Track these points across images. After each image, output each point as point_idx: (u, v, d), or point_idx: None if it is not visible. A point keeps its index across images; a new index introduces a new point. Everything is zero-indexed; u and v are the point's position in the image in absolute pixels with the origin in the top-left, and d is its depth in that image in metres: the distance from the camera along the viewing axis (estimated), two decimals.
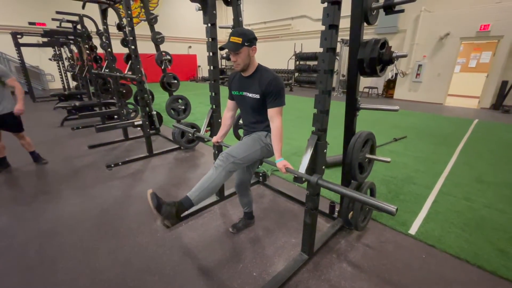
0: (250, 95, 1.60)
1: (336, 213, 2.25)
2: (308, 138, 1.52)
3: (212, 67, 2.12)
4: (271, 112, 1.56)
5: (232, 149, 1.60)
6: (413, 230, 2.13)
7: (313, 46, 12.31)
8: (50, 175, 3.12)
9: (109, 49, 3.76)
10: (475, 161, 3.62)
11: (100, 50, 5.51)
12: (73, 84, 8.98)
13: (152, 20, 3.27)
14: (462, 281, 1.66)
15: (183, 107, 3.71)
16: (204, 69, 16.42)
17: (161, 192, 2.71)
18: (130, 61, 3.25)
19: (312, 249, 1.80)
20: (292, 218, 2.33)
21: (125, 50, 4.27)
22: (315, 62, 12.18)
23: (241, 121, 2.27)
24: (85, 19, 4.87)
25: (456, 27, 7.97)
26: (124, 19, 3.03)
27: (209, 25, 2.00)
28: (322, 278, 1.67)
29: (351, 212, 1.90)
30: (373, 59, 1.42)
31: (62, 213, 2.34)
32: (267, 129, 1.69)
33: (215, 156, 2.39)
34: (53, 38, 6.05)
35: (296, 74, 13.27)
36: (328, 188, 1.32)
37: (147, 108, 3.65)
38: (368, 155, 1.85)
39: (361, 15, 1.46)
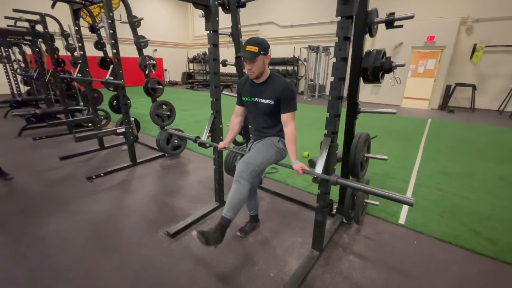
0: (263, 101, 1.65)
1: (335, 210, 2.40)
2: (321, 141, 1.63)
3: (213, 73, 2.13)
4: (286, 117, 1.63)
5: (249, 157, 1.64)
6: (402, 220, 2.37)
7: (281, 51, 12.71)
8: (21, 192, 2.78)
9: (82, 52, 3.49)
10: (437, 155, 4.11)
11: (62, 52, 5.07)
12: (24, 89, 8.05)
13: (135, 24, 3.13)
14: (450, 260, 1.90)
15: (168, 113, 3.60)
16: (171, 73, 15.91)
17: (157, 202, 2.61)
18: (112, 66, 3.06)
19: (322, 246, 1.90)
20: (293, 218, 2.41)
21: (96, 53, 4.02)
22: (284, 67, 12.59)
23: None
24: (47, 18, 4.44)
25: (408, 37, 8.93)
26: (104, 21, 2.86)
27: (211, 31, 2.01)
28: (335, 271, 1.78)
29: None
30: (377, 67, 1.58)
31: (47, 233, 2.12)
32: (279, 134, 1.76)
33: (216, 162, 2.38)
34: (4, 39, 5.38)
35: None
36: (347, 186, 1.43)
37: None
38: (366, 154, 2.02)
39: (364, 29, 1.62)
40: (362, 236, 2.17)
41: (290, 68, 12.32)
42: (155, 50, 14.81)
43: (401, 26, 1.55)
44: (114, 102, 4.06)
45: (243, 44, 1.58)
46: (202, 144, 2.20)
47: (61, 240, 2.03)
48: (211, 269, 1.77)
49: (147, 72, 3.28)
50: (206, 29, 2.01)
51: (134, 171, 3.33)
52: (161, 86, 3.44)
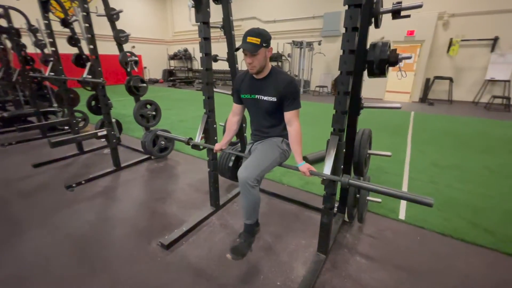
0: (265, 98, 1.53)
1: (336, 209, 2.33)
2: (328, 139, 1.53)
3: (205, 69, 1.97)
4: (289, 115, 1.52)
5: (253, 161, 1.52)
6: (402, 216, 2.35)
7: None
8: None
9: (54, 49, 3.17)
10: (425, 148, 4.19)
11: (30, 50, 4.64)
12: None
13: (113, 16, 2.87)
14: (454, 255, 1.89)
15: (153, 112, 3.37)
16: (151, 71, 15.31)
17: (146, 210, 2.42)
18: (89, 63, 2.79)
19: (328, 248, 1.82)
20: (293, 219, 2.32)
21: (70, 50, 3.69)
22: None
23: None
24: (11, 12, 4.01)
25: (389, 32, 9.08)
26: (77, 13, 2.60)
27: (202, 23, 1.84)
28: (343, 275, 1.71)
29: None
30: (383, 60, 1.50)
31: (22, 253, 1.88)
32: (282, 133, 1.64)
33: (210, 164, 2.23)
34: None
35: None
36: (360, 187, 1.35)
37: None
38: (369, 151, 1.96)
39: (369, 20, 1.53)
40: (366, 234, 2.12)
41: (274, 63, 12.20)
42: (133, 46, 14.11)
43: (408, 16, 1.47)
44: (93, 103, 3.75)
45: (235, 37, 1.44)
46: (196, 147, 2.04)
47: (39, 259, 1.81)
48: (213, 281, 1.64)
49: (129, 70, 3.03)
50: (197, 21, 1.84)
51: (118, 177, 3.09)
52: (144, 84, 3.20)
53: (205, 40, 1.89)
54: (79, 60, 3.58)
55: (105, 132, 2.94)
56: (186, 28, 15.10)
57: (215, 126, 2.14)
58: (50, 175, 3.11)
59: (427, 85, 9.18)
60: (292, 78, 1.50)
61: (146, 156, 3.57)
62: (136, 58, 3.06)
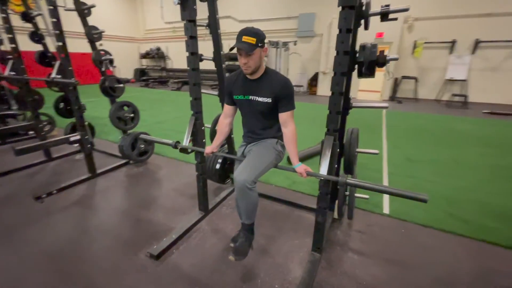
0: (259, 99, 1.49)
1: None
2: (323, 140, 1.54)
3: (192, 69, 1.88)
4: (285, 116, 1.50)
5: (249, 164, 1.49)
6: (386, 210, 2.45)
7: None
8: None
9: (14, 45, 2.86)
10: (400, 144, 4.43)
11: None
12: None
13: (84, 12, 2.64)
14: (436, 244, 2.01)
15: (131, 115, 3.17)
16: (121, 70, 14.52)
17: (130, 219, 2.27)
18: (58, 62, 2.54)
19: (322, 247, 1.84)
20: (284, 220, 2.32)
21: (33, 47, 3.35)
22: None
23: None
24: None
25: (360, 33, 9.49)
26: (40, 7, 2.36)
27: (188, 21, 1.76)
28: (339, 272, 1.73)
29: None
30: (373, 61, 1.54)
31: None
32: (276, 135, 1.62)
33: (198, 168, 2.15)
34: None
35: (226, 74, 13.25)
36: (357, 186, 1.37)
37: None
38: (357, 149, 2.01)
39: (359, 22, 1.56)
40: (355, 230, 2.18)
41: None
42: (101, 44, 13.20)
43: (395, 19, 1.52)
44: (61, 105, 3.45)
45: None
46: (184, 150, 1.96)
47: (9, 280, 1.61)
48: None
49: (103, 69, 2.82)
50: (182, 19, 1.75)
51: (95, 184, 2.87)
52: (121, 85, 3.00)
53: (192, 39, 1.81)
54: (44, 58, 3.27)
55: (78, 137, 2.72)
56: (158, 25, 14.55)
57: (203, 128, 2.06)
58: (15, 185, 2.80)
59: (396, 85, 9.76)
60: (287, 78, 1.49)
61: (124, 161, 3.36)
62: (111, 57, 2.85)
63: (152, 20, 14.94)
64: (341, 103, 1.45)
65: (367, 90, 11.66)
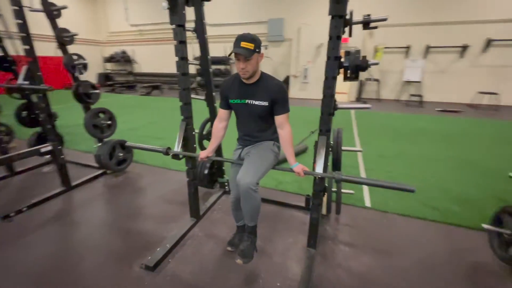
0: (257, 102, 1.54)
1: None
2: (317, 140, 1.63)
3: (181, 74, 1.87)
4: (281, 119, 1.56)
5: (250, 166, 1.53)
6: (368, 203, 2.63)
7: (211, 51, 12.40)
8: None
9: None
10: (370, 141, 4.76)
11: None
12: None
13: (53, 13, 2.45)
14: (414, 231, 2.21)
15: (108, 122, 3.01)
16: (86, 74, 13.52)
17: (117, 231, 2.16)
18: (26, 67, 2.31)
19: (316, 243, 1.93)
20: (276, 220, 2.38)
21: None
22: (218, 66, 12.37)
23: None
24: None
25: (326, 39, 10.00)
26: (4, 7, 2.17)
27: (177, 26, 1.75)
28: (334, 265, 1.83)
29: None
30: (358, 66, 1.67)
31: None
32: (273, 137, 1.68)
33: (189, 173, 2.12)
34: None
35: (199, 79, 13.05)
36: (351, 181, 1.48)
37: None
38: (343, 148, 2.15)
39: (343, 29, 1.68)
40: (342, 224, 2.31)
41: (222, 67, 12.18)
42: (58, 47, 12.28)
43: (376, 27, 1.67)
44: (24, 113, 3.15)
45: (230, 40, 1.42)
46: (176, 156, 1.92)
47: None
48: None
49: (76, 74, 2.64)
50: (172, 23, 1.74)
51: (71, 198, 2.67)
52: (97, 91, 2.84)
53: (181, 44, 1.80)
54: (3, 62, 2.97)
55: (50, 147, 2.51)
56: (123, 28, 13.86)
57: (194, 133, 2.05)
58: None
59: (361, 86, 10.44)
60: (282, 83, 1.55)
61: (100, 171, 3.17)
62: (85, 61, 2.68)
63: (116, 23, 14.19)
64: (332, 105, 1.55)
65: (336, 92, 12.27)
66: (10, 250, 1.93)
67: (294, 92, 11.16)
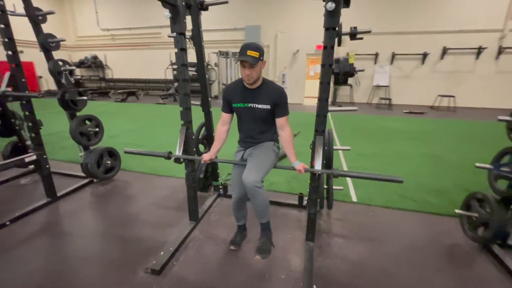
0: (259, 106, 1.65)
1: (306, 202, 2.62)
2: (314, 140, 1.78)
3: (182, 80, 1.93)
4: (282, 121, 1.69)
5: (255, 165, 1.62)
6: (354, 198, 2.84)
7: (189, 56, 12.33)
8: None
9: None
10: (348, 142, 5.07)
11: None
12: None
13: (38, 18, 2.37)
14: (397, 221, 2.45)
15: (95, 129, 2.92)
16: (49, 81, 12.71)
17: (114, 240, 2.13)
18: (8, 73, 2.19)
19: (314, 236, 2.06)
20: (272, 218, 2.40)
21: None
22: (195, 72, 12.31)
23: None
24: None
25: (302, 45, 10.46)
26: None
27: (178, 34, 1.81)
28: (331, 255, 1.98)
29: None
30: (347, 72, 1.86)
31: None
32: (273, 138, 1.80)
33: (188, 178, 2.16)
34: None
35: (176, 84, 12.87)
36: (347, 176, 1.64)
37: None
38: (334, 147, 2.32)
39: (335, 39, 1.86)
40: (334, 219, 2.48)
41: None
42: (21, 51, 11.38)
43: (361, 38, 1.87)
44: None
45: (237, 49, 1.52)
46: (177, 160, 1.96)
47: None
48: None
49: (63, 81, 2.55)
50: (173, 31, 1.80)
51: (57, 209, 2.56)
52: (84, 98, 2.76)
53: (182, 51, 1.87)
54: None
55: (34, 157, 2.40)
56: (94, 32, 13.30)
57: (194, 137, 2.10)
58: None
59: (335, 91, 11.00)
60: (282, 88, 1.69)
61: (86, 180, 3.06)
62: (73, 67, 2.60)
63: (86, 26, 13.58)
64: (327, 107, 1.71)
65: (313, 97, 12.78)
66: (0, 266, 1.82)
67: None
